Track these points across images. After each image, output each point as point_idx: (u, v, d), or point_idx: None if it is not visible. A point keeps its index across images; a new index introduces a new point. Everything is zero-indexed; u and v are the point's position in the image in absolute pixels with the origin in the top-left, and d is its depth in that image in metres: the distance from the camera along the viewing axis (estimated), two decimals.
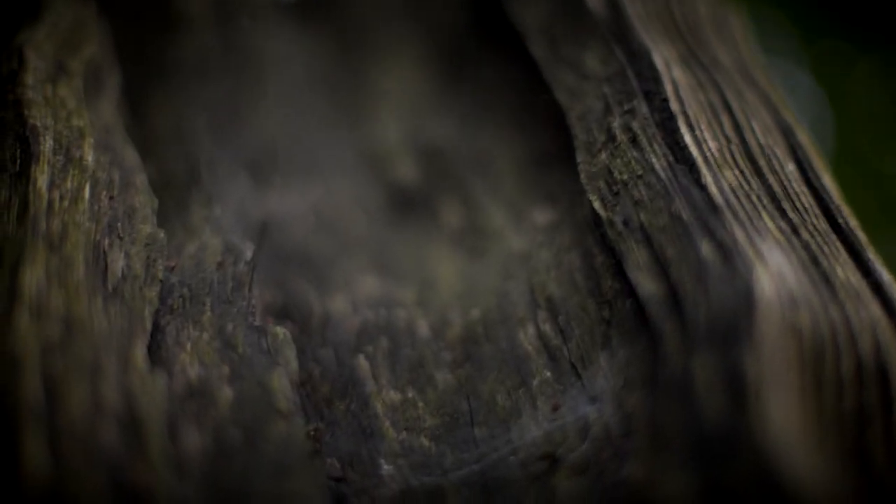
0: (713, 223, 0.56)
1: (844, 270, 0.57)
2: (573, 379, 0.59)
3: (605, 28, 0.70)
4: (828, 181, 0.65)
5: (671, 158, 0.61)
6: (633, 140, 0.62)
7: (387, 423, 0.60)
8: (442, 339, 0.65)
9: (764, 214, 0.58)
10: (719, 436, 0.47)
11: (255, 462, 0.52)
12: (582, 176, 0.64)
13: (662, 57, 0.67)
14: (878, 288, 0.57)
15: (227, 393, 0.55)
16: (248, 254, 0.64)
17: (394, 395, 0.62)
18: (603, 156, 0.63)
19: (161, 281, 0.60)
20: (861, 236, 0.62)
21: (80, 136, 0.64)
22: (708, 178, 0.59)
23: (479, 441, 0.58)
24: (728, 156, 0.62)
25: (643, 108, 0.64)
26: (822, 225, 0.60)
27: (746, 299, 0.51)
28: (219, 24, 0.84)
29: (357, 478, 0.57)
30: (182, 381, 0.56)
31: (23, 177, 0.60)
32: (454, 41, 0.84)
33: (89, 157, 0.63)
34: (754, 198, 0.59)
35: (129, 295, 0.58)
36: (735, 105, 0.66)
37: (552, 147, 0.74)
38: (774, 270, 0.53)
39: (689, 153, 0.61)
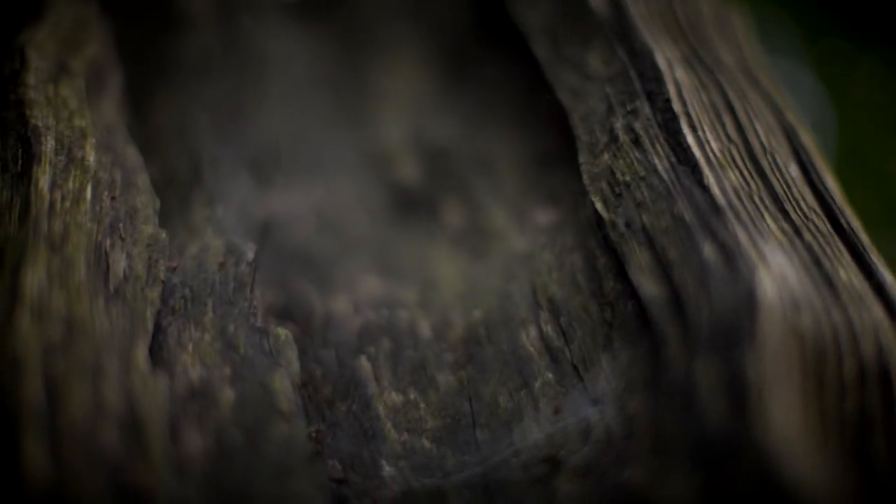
0: (715, 225, 0.56)
1: (847, 272, 0.57)
2: (575, 381, 0.59)
3: (608, 28, 0.70)
4: (830, 182, 0.65)
5: (674, 159, 0.61)
6: (636, 141, 0.62)
7: (388, 425, 0.60)
8: (444, 340, 0.65)
9: (766, 216, 0.58)
10: (721, 438, 0.47)
11: (257, 463, 0.52)
12: (584, 177, 0.64)
13: (665, 57, 0.67)
14: (880, 290, 0.57)
15: (228, 394, 0.55)
16: (250, 254, 0.64)
17: (395, 397, 0.62)
18: (605, 157, 0.63)
19: (163, 282, 0.60)
20: (864, 238, 0.61)
21: (82, 137, 0.64)
22: (710, 180, 0.59)
23: (480, 443, 0.58)
24: (731, 157, 0.62)
25: (646, 109, 0.64)
26: (825, 226, 0.60)
27: (748, 301, 0.51)
28: (221, 22, 0.83)
29: (358, 479, 0.57)
30: (183, 382, 0.56)
31: (24, 177, 0.60)
32: (457, 41, 0.84)
33: (91, 158, 0.63)
34: (757, 199, 0.59)
35: (131, 296, 0.58)
36: (738, 106, 0.66)
37: (554, 147, 0.74)
38: (777, 272, 0.53)
39: (692, 154, 0.61)
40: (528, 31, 0.75)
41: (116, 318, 0.56)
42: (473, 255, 0.71)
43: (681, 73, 0.66)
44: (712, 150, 0.61)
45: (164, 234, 0.62)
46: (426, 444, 0.59)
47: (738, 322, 0.51)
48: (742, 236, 0.55)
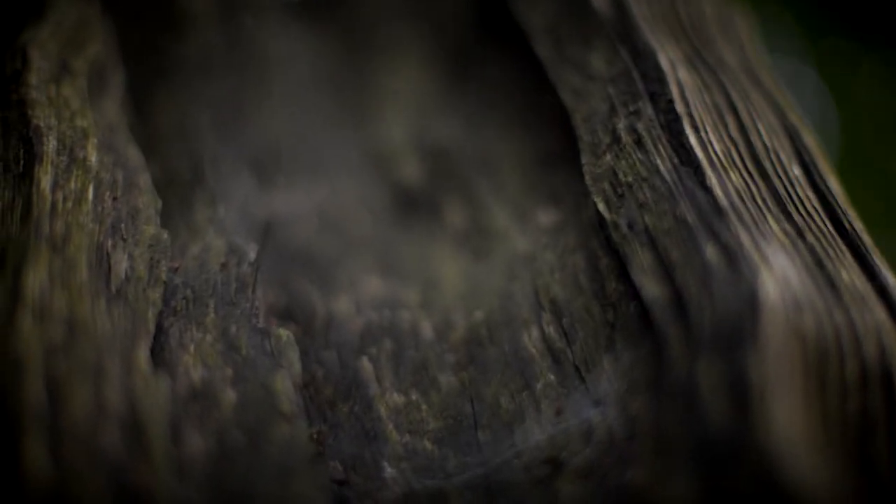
0: (718, 226, 0.56)
1: (849, 274, 0.57)
2: (577, 382, 0.59)
3: (611, 28, 0.69)
4: (833, 184, 0.65)
5: (676, 160, 0.61)
6: (638, 142, 0.62)
7: (390, 426, 0.60)
8: (446, 341, 0.65)
9: (769, 217, 0.58)
10: (723, 440, 0.47)
11: (258, 465, 0.52)
12: (587, 178, 0.63)
13: (668, 58, 0.66)
14: (882, 291, 0.57)
15: (230, 395, 0.55)
16: (252, 255, 0.64)
17: (397, 398, 0.62)
18: (608, 157, 0.63)
19: (164, 282, 0.60)
20: (866, 239, 0.61)
21: (84, 137, 0.64)
22: (713, 181, 0.59)
23: (482, 444, 0.58)
24: (733, 158, 0.62)
25: (648, 110, 0.64)
26: (828, 228, 0.60)
27: (751, 303, 0.51)
28: (223, 21, 0.83)
29: (360, 481, 0.57)
30: (185, 383, 0.55)
31: (26, 177, 0.60)
32: (459, 41, 0.84)
33: (93, 158, 0.63)
34: (759, 200, 0.59)
35: (133, 297, 0.58)
36: (740, 106, 0.66)
37: (557, 147, 0.73)
38: (779, 274, 0.53)
39: (694, 155, 0.60)
40: (530, 31, 0.75)
41: (118, 318, 0.56)
42: (475, 255, 0.71)
43: (683, 74, 0.66)
44: (715, 151, 0.61)
45: (165, 235, 0.62)
46: (428, 445, 0.59)
47: (741, 323, 0.51)
48: (744, 238, 0.55)
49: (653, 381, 0.54)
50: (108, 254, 0.59)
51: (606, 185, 0.62)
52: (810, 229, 0.59)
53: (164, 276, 0.60)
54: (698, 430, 0.48)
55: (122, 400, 0.51)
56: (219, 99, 0.79)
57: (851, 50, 1.82)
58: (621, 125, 0.64)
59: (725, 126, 0.64)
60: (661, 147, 0.62)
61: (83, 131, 0.64)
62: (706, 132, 0.62)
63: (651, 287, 0.56)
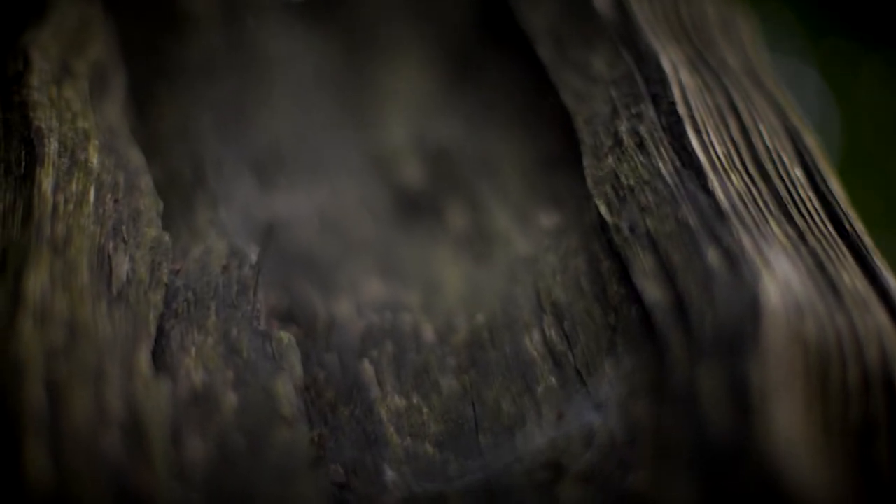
0: (720, 230, 0.56)
1: (851, 277, 0.57)
2: (578, 386, 0.59)
3: (613, 30, 0.69)
4: (835, 186, 0.65)
5: (678, 163, 0.61)
6: (641, 144, 0.62)
7: (391, 429, 0.60)
8: (447, 344, 0.65)
9: (771, 220, 0.58)
10: (724, 444, 0.47)
11: (259, 468, 0.52)
12: (589, 180, 0.63)
13: (670, 60, 0.66)
14: (884, 295, 0.57)
15: (231, 398, 0.55)
16: (254, 257, 0.64)
17: (398, 401, 0.62)
18: (610, 160, 0.63)
19: (166, 285, 0.60)
20: (868, 241, 0.61)
21: (86, 139, 0.63)
22: (715, 184, 0.59)
23: (483, 448, 0.58)
24: (735, 160, 0.62)
25: (650, 112, 0.63)
26: (829, 230, 0.60)
27: (752, 307, 0.51)
28: (225, 23, 0.83)
29: (361, 484, 0.57)
30: (186, 386, 0.55)
31: (27, 179, 0.60)
32: (461, 41, 0.84)
33: (94, 160, 0.63)
34: (761, 203, 0.59)
35: (134, 299, 0.58)
36: (742, 108, 0.66)
37: (559, 149, 0.73)
38: (781, 278, 0.53)
39: (697, 158, 0.60)
40: (532, 33, 0.75)
41: (119, 321, 0.56)
42: (477, 257, 0.71)
43: (685, 76, 0.66)
44: (716, 154, 0.61)
45: (167, 237, 0.62)
46: (429, 448, 0.59)
47: (742, 328, 0.50)
48: (746, 241, 0.55)
49: (654, 385, 0.54)
50: (109, 256, 0.59)
51: (608, 188, 0.62)
52: (812, 232, 0.59)
53: (165, 279, 0.60)
54: (699, 434, 0.48)
55: (123, 403, 0.51)
56: (220, 100, 0.78)
57: (852, 50, 1.82)
58: (623, 127, 0.64)
59: (727, 128, 0.64)
60: (663, 150, 0.61)
61: (84, 133, 0.64)
62: (708, 134, 0.62)
63: (652, 291, 0.56)
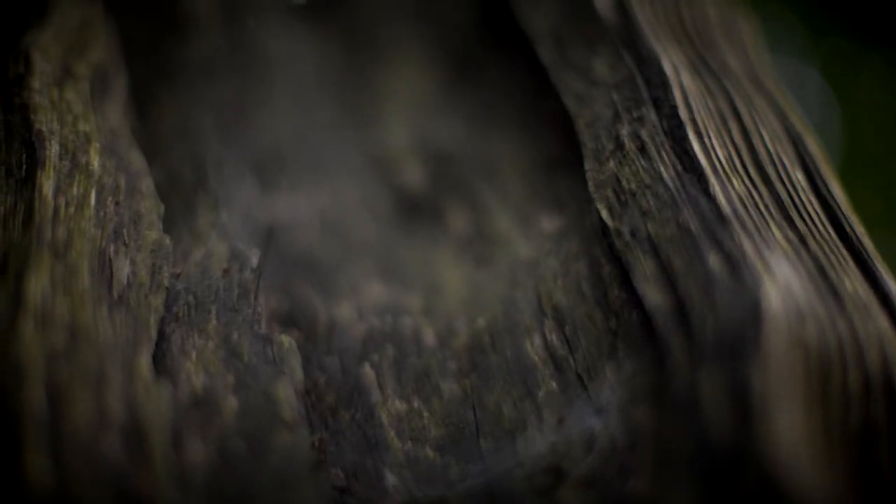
0: (721, 234, 0.56)
1: (852, 281, 0.57)
2: (579, 390, 0.59)
3: (614, 32, 0.69)
4: (836, 190, 0.65)
5: (679, 167, 0.60)
6: (642, 148, 0.62)
7: (392, 433, 0.60)
8: (448, 347, 0.64)
9: (772, 224, 0.58)
10: (725, 449, 0.47)
11: (259, 473, 0.52)
12: (590, 184, 0.63)
13: (671, 63, 0.66)
14: (885, 300, 0.57)
15: (231, 403, 0.55)
16: (254, 260, 0.64)
17: (399, 405, 0.61)
18: (611, 164, 0.63)
19: (167, 288, 0.60)
20: (869, 246, 0.61)
21: (87, 141, 0.63)
22: (716, 188, 0.59)
23: (484, 453, 0.58)
24: (736, 164, 0.62)
25: (652, 116, 0.63)
26: (830, 235, 0.60)
27: (753, 313, 0.51)
28: (225, 23, 0.83)
29: (361, 489, 0.57)
30: (187, 390, 0.55)
31: (28, 182, 0.59)
32: (462, 43, 0.84)
33: (95, 163, 0.62)
34: (762, 207, 0.59)
35: (135, 303, 0.58)
36: (744, 111, 0.66)
37: (560, 151, 0.73)
38: (782, 283, 0.53)
39: (698, 162, 0.60)
40: (533, 34, 0.75)
41: (120, 325, 0.56)
42: (478, 261, 0.71)
43: (687, 80, 0.66)
44: (718, 158, 0.61)
45: (167, 240, 0.62)
46: (429, 453, 0.59)
47: (743, 333, 0.50)
48: (747, 246, 0.55)
49: (655, 390, 0.54)
50: (110, 259, 0.59)
51: (609, 192, 0.62)
52: (813, 236, 0.59)
53: (166, 282, 0.60)
54: (700, 439, 0.48)
55: (124, 407, 0.51)
56: (221, 101, 0.78)
57: (853, 50, 1.82)
58: (625, 131, 0.64)
59: (729, 132, 0.64)
60: (664, 154, 0.61)
61: (86, 136, 0.64)
62: (709, 138, 0.62)
63: (653, 295, 0.56)
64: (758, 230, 0.57)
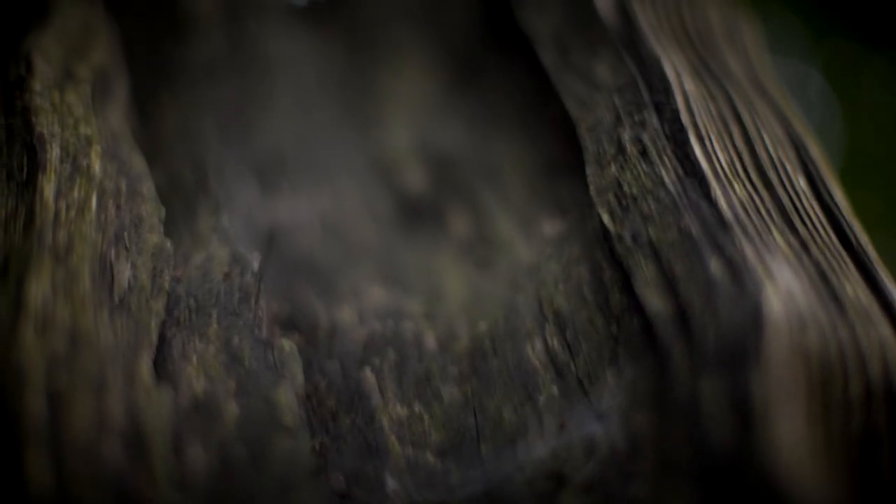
0: (722, 240, 0.56)
1: (854, 288, 0.57)
2: (580, 395, 0.59)
3: (616, 36, 0.69)
4: (838, 195, 0.65)
5: (681, 172, 0.60)
6: (644, 153, 0.62)
7: (392, 438, 0.60)
8: (449, 352, 0.64)
9: (773, 230, 0.58)
10: (725, 456, 0.47)
11: (260, 478, 0.52)
12: (591, 189, 0.63)
13: (673, 67, 0.66)
14: (887, 306, 0.57)
15: (232, 408, 0.55)
16: (255, 264, 0.64)
17: (400, 410, 0.61)
18: (613, 168, 0.63)
19: (168, 292, 0.60)
20: (871, 252, 0.61)
21: (88, 145, 0.63)
22: (717, 193, 0.59)
23: (484, 458, 0.58)
24: (738, 169, 0.62)
25: (653, 120, 0.63)
26: (832, 240, 0.60)
27: (755, 319, 0.51)
28: (227, 25, 0.83)
29: (362, 494, 0.57)
30: (188, 395, 0.55)
31: (29, 186, 0.59)
32: (464, 45, 0.84)
33: (96, 166, 0.62)
34: (764, 212, 0.59)
35: (136, 307, 0.58)
36: (746, 116, 0.66)
37: (561, 155, 0.73)
38: (783, 289, 0.53)
39: (699, 167, 0.60)
40: (535, 38, 0.75)
41: (121, 329, 0.56)
42: (479, 265, 0.71)
43: (689, 84, 0.66)
44: (720, 163, 0.61)
45: (168, 244, 0.62)
46: (430, 458, 0.59)
47: (744, 340, 0.50)
48: (749, 252, 0.55)
49: (656, 396, 0.53)
50: (111, 263, 0.59)
51: (611, 197, 0.62)
52: (815, 242, 0.59)
53: (167, 286, 0.60)
54: (701, 445, 0.48)
55: (124, 412, 0.51)
56: (222, 103, 0.78)
57: (855, 51, 1.82)
58: (626, 136, 0.63)
59: (731, 136, 0.64)
60: (666, 158, 0.61)
61: (87, 139, 0.64)
62: (711, 143, 0.62)
63: (654, 301, 0.56)
64: (759, 235, 0.57)
